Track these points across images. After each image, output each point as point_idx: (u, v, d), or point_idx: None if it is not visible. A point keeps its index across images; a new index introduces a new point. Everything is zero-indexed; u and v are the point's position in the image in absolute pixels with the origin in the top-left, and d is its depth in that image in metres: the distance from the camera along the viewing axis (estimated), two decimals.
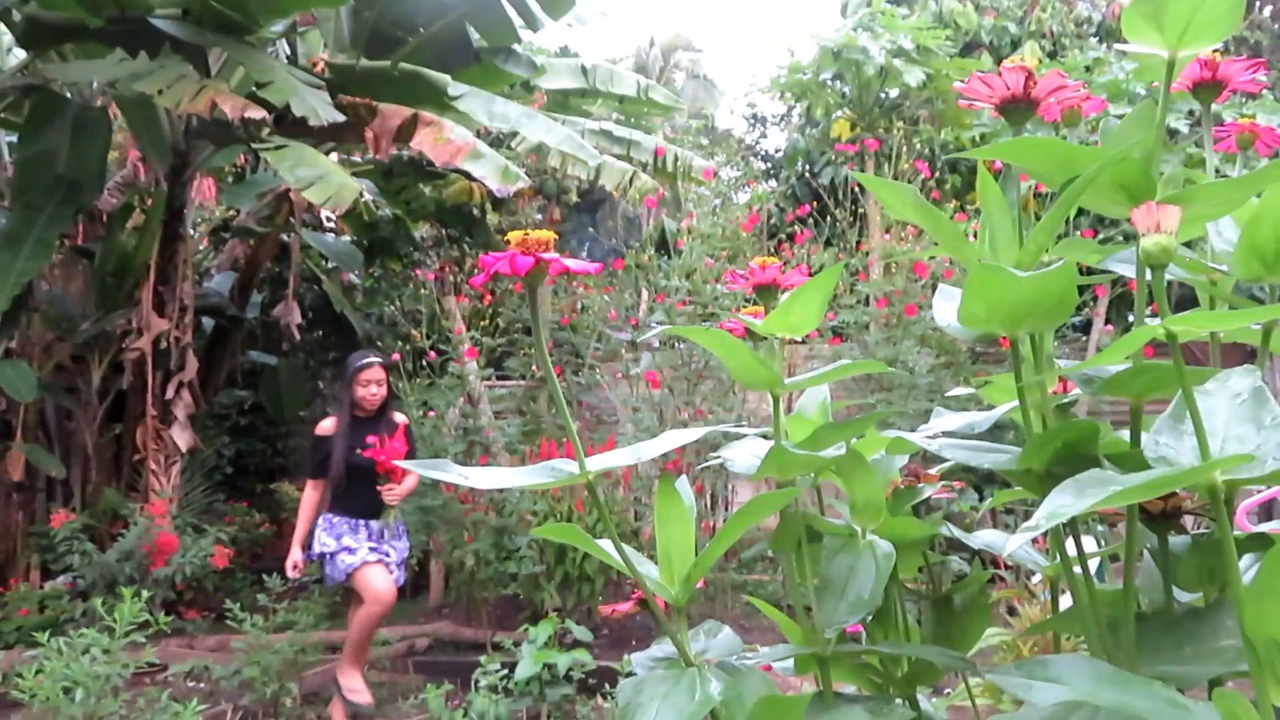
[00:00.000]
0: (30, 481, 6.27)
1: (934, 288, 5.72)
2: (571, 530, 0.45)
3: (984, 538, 0.67)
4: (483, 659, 3.93)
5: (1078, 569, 0.57)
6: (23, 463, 6.03)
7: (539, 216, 8.84)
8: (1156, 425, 0.44)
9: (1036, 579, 3.82)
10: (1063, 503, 0.36)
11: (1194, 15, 0.44)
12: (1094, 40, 9.60)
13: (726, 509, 6.07)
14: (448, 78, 6.03)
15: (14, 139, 5.98)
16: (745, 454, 0.58)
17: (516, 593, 5.55)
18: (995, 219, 0.48)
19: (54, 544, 5.59)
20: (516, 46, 6.66)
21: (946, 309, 0.54)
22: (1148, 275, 0.46)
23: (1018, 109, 0.54)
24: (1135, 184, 0.45)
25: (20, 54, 6.13)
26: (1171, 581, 0.52)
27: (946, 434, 0.57)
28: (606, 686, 3.85)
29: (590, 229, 9.34)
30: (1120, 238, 5.92)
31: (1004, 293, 0.44)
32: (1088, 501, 0.36)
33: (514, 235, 0.43)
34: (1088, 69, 7.73)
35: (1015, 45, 9.35)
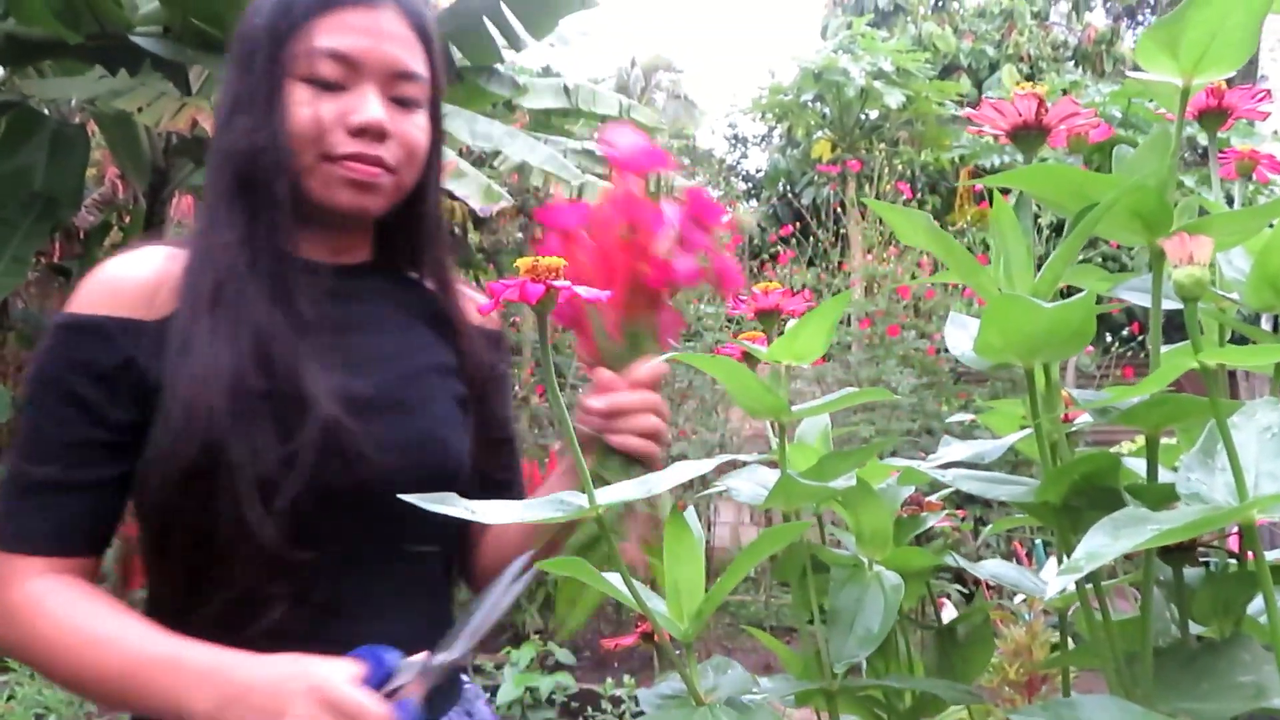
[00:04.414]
0: None
1: (915, 309, 5.75)
2: (577, 564, 0.44)
3: (990, 568, 0.66)
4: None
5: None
6: None
7: (520, 235, 8.83)
8: (1187, 461, 0.44)
9: (1019, 599, 3.81)
10: (1101, 543, 0.36)
11: (1210, 43, 0.43)
12: (1070, 64, 9.71)
13: (709, 528, 6.06)
14: None
15: None
16: (749, 484, 0.57)
17: None
18: (1010, 246, 0.47)
19: None
20: (499, 66, 6.66)
21: (960, 337, 0.54)
22: (1167, 305, 0.45)
23: (1029, 136, 0.53)
24: (1151, 212, 0.44)
25: None
26: (1187, 615, 0.51)
27: (956, 464, 0.57)
28: (589, 710, 3.81)
29: None
30: (1099, 259, 5.97)
31: (1022, 323, 0.43)
32: (1126, 543, 0.35)
33: (524, 262, 0.42)
34: (1065, 92, 7.82)
35: (993, 68, 9.45)
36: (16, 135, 5.58)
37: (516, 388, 6.62)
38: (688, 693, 0.46)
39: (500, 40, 6.31)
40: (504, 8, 6.10)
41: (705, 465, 0.47)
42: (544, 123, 7.82)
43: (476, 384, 0.97)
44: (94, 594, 0.81)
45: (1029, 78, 9.11)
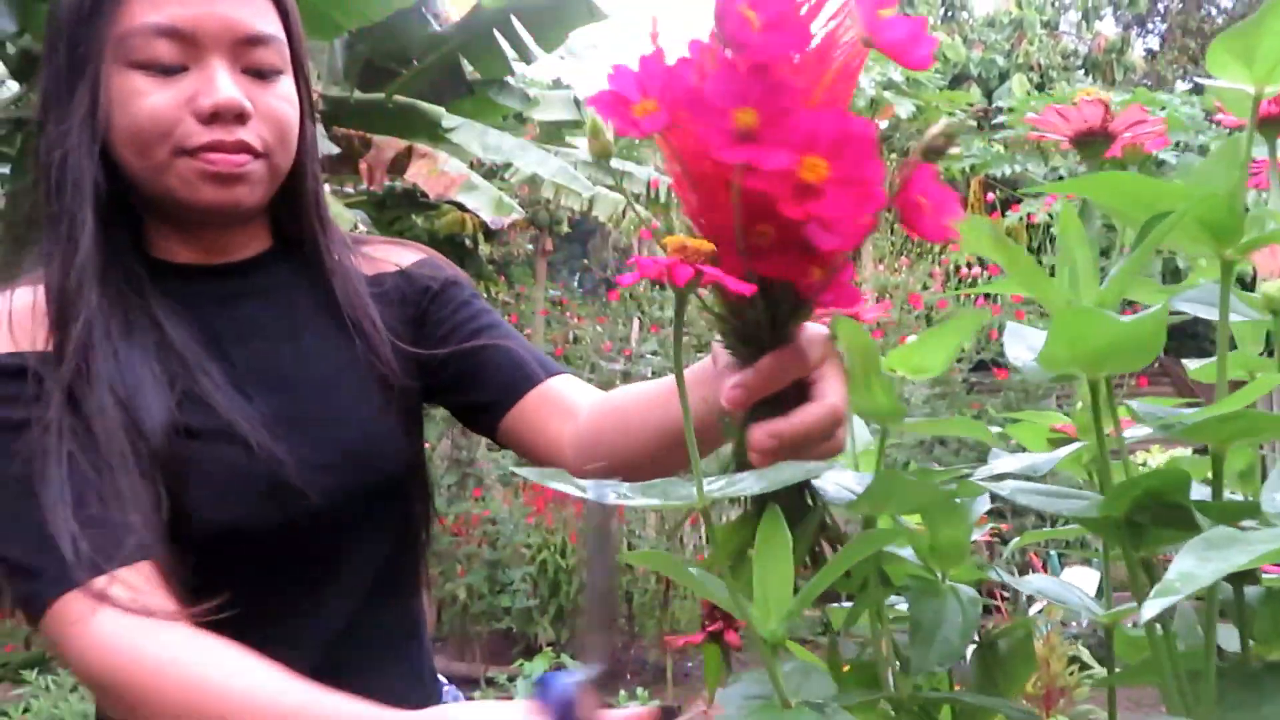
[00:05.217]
0: None
1: (928, 319, 5.73)
2: (664, 558, 0.43)
3: (1036, 583, 0.65)
4: (477, 694, 3.88)
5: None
6: None
7: (530, 246, 8.85)
8: (1271, 480, 0.43)
9: (1033, 610, 3.77)
10: (1192, 565, 0.35)
11: None
12: (1080, 73, 9.71)
13: None
14: (442, 110, 6.05)
15: (6, 171, 5.95)
16: (832, 484, 0.56)
17: (510, 626, 5.48)
18: (1077, 256, 0.47)
19: None
20: (509, 79, 6.68)
21: (1020, 349, 0.53)
22: (1241, 316, 0.45)
23: (1093, 143, 0.53)
24: (1220, 223, 0.44)
25: (14, 87, 6.12)
26: (1248, 635, 0.50)
27: (1008, 476, 0.56)
28: None
29: (582, 259, 9.34)
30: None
31: (1092, 335, 0.43)
32: (1220, 565, 0.34)
33: (672, 240, 0.40)
34: (1075, 102, 7.82)
35: (1004, 78, 9.44)
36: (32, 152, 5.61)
37: None
38: (773, 694, 0.45)
39: (510, 53, 6.34)
40: (514, 20, 6.12)
41: (818, 467, 0.46)
42: (554, 135, 7.84)
43: (390, 364, 0.85)
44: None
45: (1039, 87, 9.10)
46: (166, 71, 0.75)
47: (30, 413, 0.70)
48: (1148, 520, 0.47)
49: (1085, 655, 3.72)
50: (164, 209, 0.79)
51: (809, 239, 0.44)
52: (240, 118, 0.76)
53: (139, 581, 0.68)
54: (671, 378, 0.76)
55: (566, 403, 0.86)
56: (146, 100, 0.74)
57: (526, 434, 0.87)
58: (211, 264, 0.84)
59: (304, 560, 0.80)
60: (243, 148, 0.76)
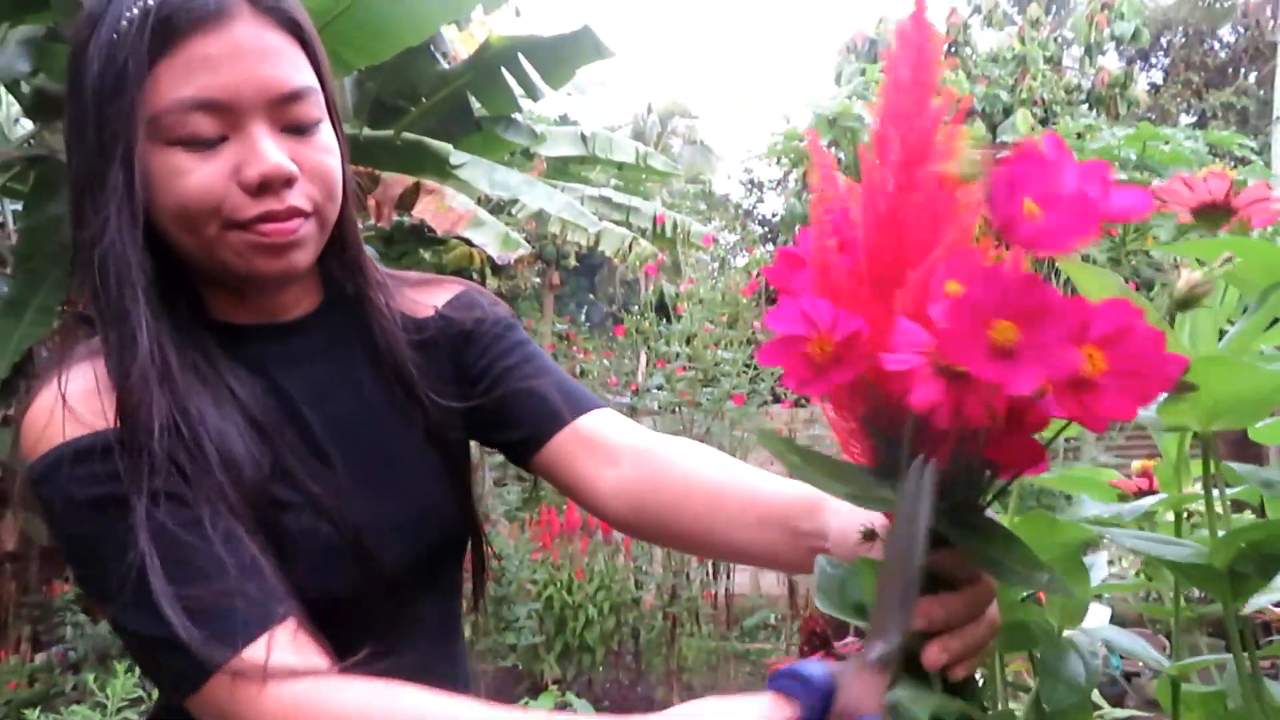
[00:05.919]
0: (24, 551, 6.17)
1: None
2: (782, 441, 0.43)
3: (1103, 632, 0.65)
4: None
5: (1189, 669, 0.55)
6: (17, 532, 5.95)
7: (537, 281, 8.89)
8: None
9: None
10: None
11: None
12: (1084, 107, 9.77)
13: (728, 576, 6.02)
14: (449, 147, 6.09)
15: (19, 207, 6.00)
16: None
17: (515, 664, 5.44)
18: (1197, 315, 0.47)
19: (46, 615, 5.48)
20: (517, 115, 6.73)
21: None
22: None
23: (1215, 215, 0.54)
24: None
25: (27, 124, 6.18)
26: None
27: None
28: None
29: (589, 293, 9.37)
30: None
31: (1219, 386, 0.43)
32: None
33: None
34: (1079, 135, 7.85)
35: (1008, 113, 9.50)
36: (45, 188, 5.65)
37: None
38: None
39: (518, 90, 6.39)
40: (521, 59, 6.17)
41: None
42: (561, 170, 7.90)
43: (436, 419, 0.85)
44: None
45: (1043, 122, 9.16)
46: (207, 144, 0.72)
47: (131, 488, 0.67)
48: (1253, 571, 0.47)
49: (1095, 695, 3.69)
50: (216, 276, 0.78)
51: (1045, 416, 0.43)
52: (288, 182, 0.73)
53: (290, 640, 0.66)
54: (762, 494, 0.76)
55: (600, 444, 0.85)
56: (191, 178, 0.71)
57: (560, 474, 0.86)
58: (272, 323, 0.82)
59: (368, 626, 0.76)
60: (294, 213, 0.74)
